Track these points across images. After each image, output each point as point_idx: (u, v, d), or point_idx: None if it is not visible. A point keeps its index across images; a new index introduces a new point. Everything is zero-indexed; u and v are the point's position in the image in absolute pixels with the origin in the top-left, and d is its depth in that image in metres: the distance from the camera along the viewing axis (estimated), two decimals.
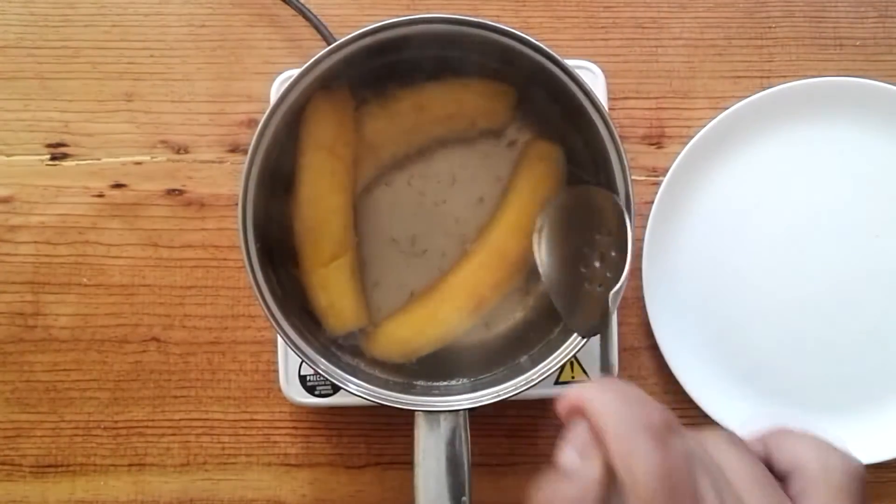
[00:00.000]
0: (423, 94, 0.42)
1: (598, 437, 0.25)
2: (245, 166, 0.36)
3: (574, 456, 0.26)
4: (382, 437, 0.48)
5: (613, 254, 0.37)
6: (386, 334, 0.42)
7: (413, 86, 0.42)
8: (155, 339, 0.49)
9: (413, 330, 0.42)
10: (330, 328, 0.41)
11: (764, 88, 0.48)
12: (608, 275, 0.37)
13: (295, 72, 0.37)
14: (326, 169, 0.40)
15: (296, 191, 0.40)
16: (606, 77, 0.46)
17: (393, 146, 0.43)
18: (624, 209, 0.36)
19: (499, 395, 0.37)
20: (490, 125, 0.44)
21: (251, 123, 0.49)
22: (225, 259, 0.49)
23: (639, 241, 0.47)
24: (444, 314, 0.42)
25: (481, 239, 0.42)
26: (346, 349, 0.42)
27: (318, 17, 0.48)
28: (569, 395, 0.27)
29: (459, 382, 0.41)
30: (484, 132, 0.44)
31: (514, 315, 0.44)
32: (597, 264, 0.38)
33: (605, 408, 0.25)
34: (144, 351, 0.49)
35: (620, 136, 0.37)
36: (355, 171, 0.42)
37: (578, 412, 0.26)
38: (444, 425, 0.36)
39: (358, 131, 0.41)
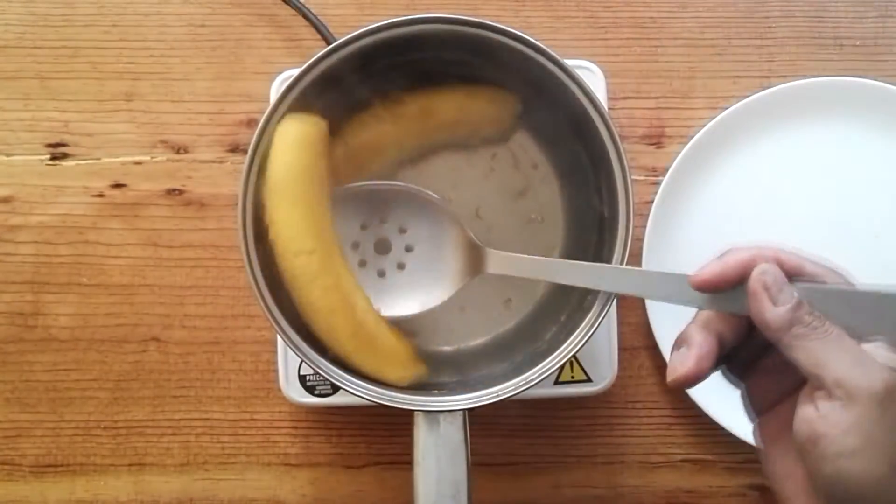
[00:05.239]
0: (428, 100, 0.42)
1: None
2: (245, 166, 0.36)
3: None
4: (382, 437, 0.48)
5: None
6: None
7: (418, 91, 0.42)
8: (155, 338, 0.49)
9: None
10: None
11: (764, 88, 0.48)
12: None
13: (295, 72, 0.36)
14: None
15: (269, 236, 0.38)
16: (606, 77, 0.46)
17: (396, 150, 0.43)
18: None
19: (498, 395, 0.37)
20: (493, 134, 0.44)
21: (251, 123, 0.49)
22: (225, 259, 0.49)
23: (639, 241, 0.47)
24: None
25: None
26: None
27: (318, 17, 0.48)
28: (732, 255, 0.31)
29: (459, 381, 0.41)
30: (487, 140, 0.44)
31: (512, 315, 0.44)
32: None
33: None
34: (144, 351, 0.49)
35: (620, 136, 0.37)
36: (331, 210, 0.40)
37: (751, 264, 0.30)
38: (444, 425, 0.36)
39: (359, 135, 0.42)
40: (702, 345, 0.32)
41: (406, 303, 0.41)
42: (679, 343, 0.33)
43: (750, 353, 0.33)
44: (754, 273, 0.30)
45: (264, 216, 0.37)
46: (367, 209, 0.42)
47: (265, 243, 0.37)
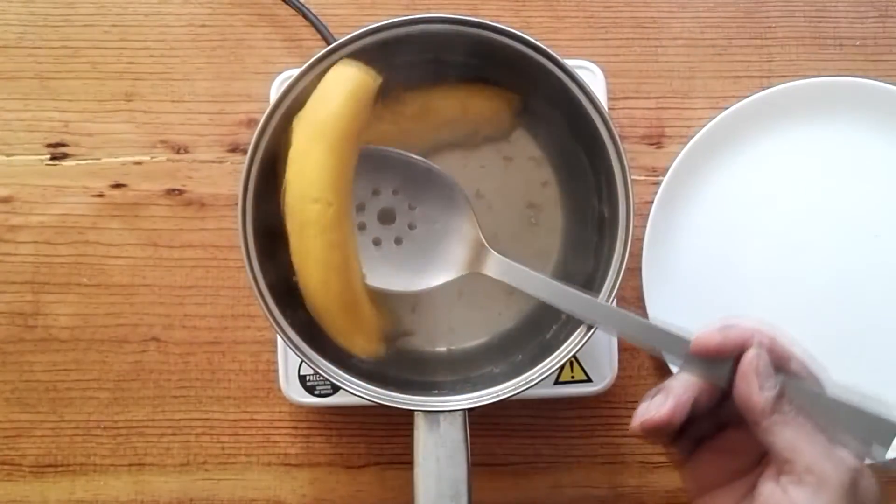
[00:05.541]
0: (428, 99, 0.42)
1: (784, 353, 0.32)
2: (245, 166, 0.36)
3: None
4: (382, 437, 0.48)
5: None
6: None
7: (418, 90, 0.42)
8: (155, 339, 0.49)
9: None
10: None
11: (764, 88, 0.48)
12: None
13: (295, 72, 0.37)
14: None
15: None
16: (606, 77, 0.46)
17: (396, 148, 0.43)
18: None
19: (498, 395, 0.37)
20: (493, 132, 0.44)
21: (251, 123, 0.49)
22: (225, 259, 0.49)
23: (639, 241, 0.47)
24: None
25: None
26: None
27: (318, 17, 0.48)
28: (733, 330, 0.32)
29: (459, 381, 0.41)
30: (487, 138, 0.44)
31: (512, 314, 0.44)
32: None
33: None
34: (144, 351, 0.49)
35: (620, 136, 0.37)
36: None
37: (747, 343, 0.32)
38: (444, 425, 0.36)
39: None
40: (681, 395, 0.32)
41: (392, 278, 0.40)
42: (654, 392, 0.33)
43: (704, 429, 0.34)
44: (749, 355, 0.32)
45: (283, 153, 0.36)
46: (385, 176, 0.41)
47: (266, 241, 0.37)
